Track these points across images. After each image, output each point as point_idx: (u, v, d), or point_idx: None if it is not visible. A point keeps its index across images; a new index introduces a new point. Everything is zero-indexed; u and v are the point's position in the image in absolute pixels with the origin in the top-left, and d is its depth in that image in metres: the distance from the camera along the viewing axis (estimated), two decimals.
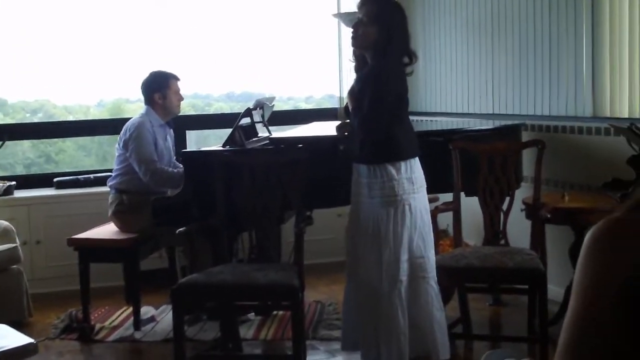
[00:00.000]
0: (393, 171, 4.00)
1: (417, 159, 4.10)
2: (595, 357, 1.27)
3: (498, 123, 5.58)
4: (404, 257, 4.01)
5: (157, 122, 5.44)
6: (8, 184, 6.21)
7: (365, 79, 4.03)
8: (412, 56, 4.11)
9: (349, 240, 4.25)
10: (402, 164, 4.03)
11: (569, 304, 1.37)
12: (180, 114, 5.73)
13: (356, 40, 4.07)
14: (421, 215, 4.09)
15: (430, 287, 4.09)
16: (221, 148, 4.85)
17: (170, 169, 5.36)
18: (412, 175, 4.05)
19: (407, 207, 4.02)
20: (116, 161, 5.44)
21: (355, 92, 4.07)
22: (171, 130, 5.65)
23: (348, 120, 4.35)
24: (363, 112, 3.98)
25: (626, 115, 4.83)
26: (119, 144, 5.40)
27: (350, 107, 4.16)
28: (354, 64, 4.26)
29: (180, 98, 5.59)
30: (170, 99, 5.48)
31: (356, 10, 6.39)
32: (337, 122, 4.63)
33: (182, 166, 5.46)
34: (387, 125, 4.02)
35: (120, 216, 5.31)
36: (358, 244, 4.11)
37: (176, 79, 5.55)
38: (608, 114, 4.97)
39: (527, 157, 5.24)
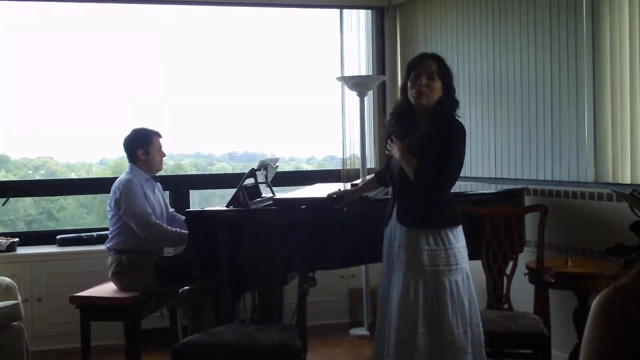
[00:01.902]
0: (452, 238, 3.89)
1: None
2: None
3: (500, 187, 5.60)
4: (467, 327, 3.87)
5: (143, 177, 5.47)
6: (11, 240, 6.21)
7: (442, 135, 3.88)
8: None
9: (404, 318, 3.87)
10: (459, 229, 3.96)
11: None
12: (183, 173, 5.74)
13: (427, 96, 3.91)
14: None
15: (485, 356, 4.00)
16: (225, 208, 4.87)
17: (170, 228, 5.36)
18: (464, 242, 3.98)
19: (465, 276, 3.93)
20: (110, 223, 5.44)
21: (417, 150, 3.88)
22: (158, 184, 5.68)
23: (357, 182, 4.34)
24: (443, 168, 3.86)
25: (628, 181, 4.86)
26: (110, 205, 5.41)
27: (406, 166, 3.91)
28: (390, 121, 4.15)
29: (163, 155, 5.63)
30: (153, 155, 5.52)
31: (361, 74, 6.46)
32: (337, 185, 4.63)
33: (180, 216, 5.51)
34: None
35: (119, 277, 5.29)
36: (416, 322, 3.83)
37: (158, 136, 5.58)
38: (610, 180, 5.00)
39: (530, 222, 5.26)
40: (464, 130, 4.00)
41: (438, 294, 3.83)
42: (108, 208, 5.45)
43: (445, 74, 3.96)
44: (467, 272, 3.94)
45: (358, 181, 5.61)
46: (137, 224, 5.24)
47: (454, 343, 3.82)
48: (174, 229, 5.34)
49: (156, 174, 5.65)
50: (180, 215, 5.60)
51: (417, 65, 3.97)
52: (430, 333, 3.82)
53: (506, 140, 5.99)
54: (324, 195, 4.66)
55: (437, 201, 3.94)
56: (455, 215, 3.99)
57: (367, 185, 4.67)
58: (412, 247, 3.89)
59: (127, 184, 5.32)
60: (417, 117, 4.02)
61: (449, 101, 3.98)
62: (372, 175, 4.79)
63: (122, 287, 5.28)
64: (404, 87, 4.03)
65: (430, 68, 3.93)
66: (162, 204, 5.63)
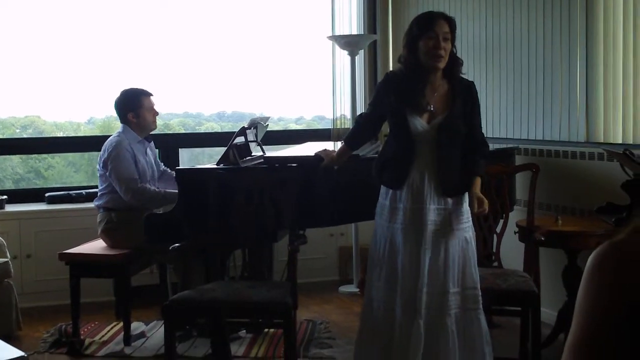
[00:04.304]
0: (466, 196, 3.97)
1: None
2: None
3: (492, 147, 5.58)
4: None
5: (135, 139, 5.42)
6: None
7: (470, 98, 3.97)
8: None
9: (436, 281, 3.86)
10: None
11: (572, 326, 1.36)
12: (172, 132, 5.68)
13: (444, 59, 3.87)
14: None
15: None
16: (215, 166, 4.85)
17: (153, 188, 5.34)
18: None
19: (473, 233, 4.01)
20: (99, 181, 5.42)
21: (456, 124, 3.90)
22: (151, 144, 5.63)
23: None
24: (478, 133, 4.01)
25: (620, 141, 4.85)
26: (99, 164, 5.38)
27: (453, 133, 3.91)
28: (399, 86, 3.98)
29: (155, 113, 5.55)
30: (144, 117, 5.46)
31: (352, 33, 6.39)
32: (327, 143, 4.56)
33: (170, 171, 5.50)
34: None
35: (109, 233, 5.29)
36: (447, 283, 3.85)
37: (148, 95, 5.51)
38: (602, 139, 5.00)
39: (521, 181, 5.26)
40: None
41: (464, 252, 3.89)
42: (98, 167, 5.42)
43: (454, 35, 3.93)
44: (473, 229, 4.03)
45: None
46: (121, 188, 5.22)
47: (476, 298, 3.91)
48: (158, 190, 5.32)
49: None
50: (170, 171, 5.59)
51: (433, 25, 3.86)
52: (458, 292, 3.88)
53: (497, 99, 5.97)
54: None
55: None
56: None
57: (342, 156, 4.44)
58: (443, 210, 3.90)
59: (117, 147, 5.27)
60: (426, 76, 3.93)
61: (457, 61, 3.96)
62: (342, 143, 4.52)
63: (111, 243, 5.27)
64: (413, 46, 3.89)
65: (444, 29, 3.86)
66: (154, 164, 5.59)
